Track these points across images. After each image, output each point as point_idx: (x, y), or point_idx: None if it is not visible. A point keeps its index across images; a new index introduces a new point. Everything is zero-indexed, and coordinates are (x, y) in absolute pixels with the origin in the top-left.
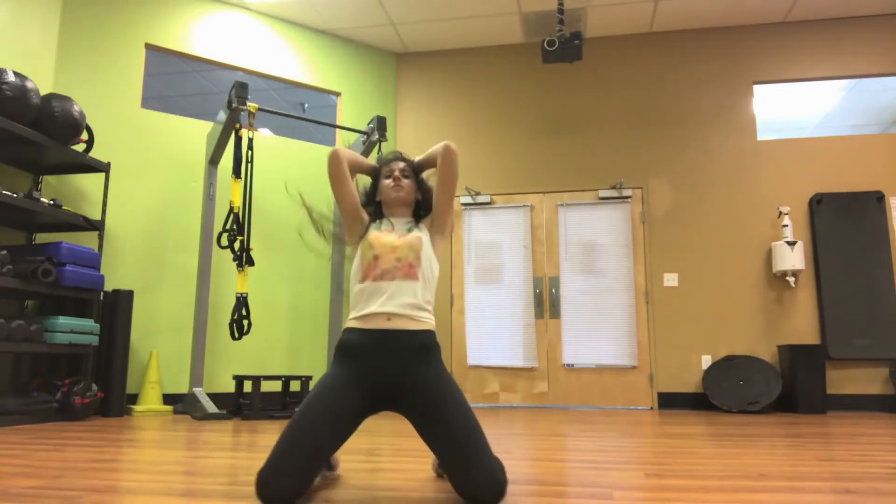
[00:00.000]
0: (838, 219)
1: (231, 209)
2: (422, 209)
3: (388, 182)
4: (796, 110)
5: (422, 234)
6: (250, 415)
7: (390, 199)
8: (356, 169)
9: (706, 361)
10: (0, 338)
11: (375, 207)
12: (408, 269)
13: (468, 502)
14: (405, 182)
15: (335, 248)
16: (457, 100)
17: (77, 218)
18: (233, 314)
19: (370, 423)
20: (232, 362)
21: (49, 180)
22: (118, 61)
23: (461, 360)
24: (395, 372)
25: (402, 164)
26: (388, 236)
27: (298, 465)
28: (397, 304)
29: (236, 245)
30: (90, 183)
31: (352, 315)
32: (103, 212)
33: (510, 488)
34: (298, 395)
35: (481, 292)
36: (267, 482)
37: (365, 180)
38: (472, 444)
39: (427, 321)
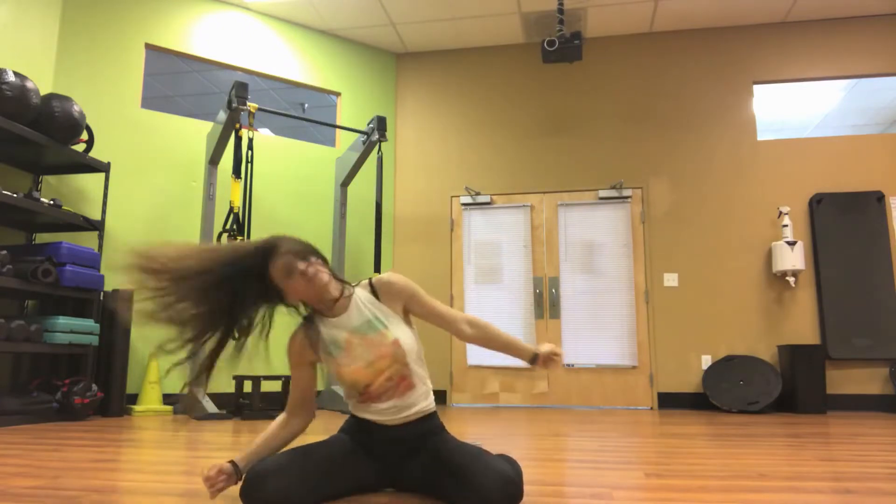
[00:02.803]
0: (838, 219)
1: (231, 209)
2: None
3: (299, 282)
4: (796, 110)
5: (396, 332)
6: (250, 415)
7: (317, 298)
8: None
9: (706, 361)
10: (0, 338)
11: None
12: (400, 382)
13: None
14: (314, 269)
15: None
16: (457, 100)
17: (77, 218)
18: None
19: None
20: (232, 362)
21: (49, 180)
22: (118, 61)
23: (461, 360)
24: (410, 449)
25: (294, 258)
26: (359, 357)
27: (301, 474)
28: (397, 415)
29: None
30: (90, 183)
31: (354, 411)
32: (103, 212)
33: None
34: None
35: (481, 292)
36: (263, 481)
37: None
38: (474, 456)
39: (430, 407)
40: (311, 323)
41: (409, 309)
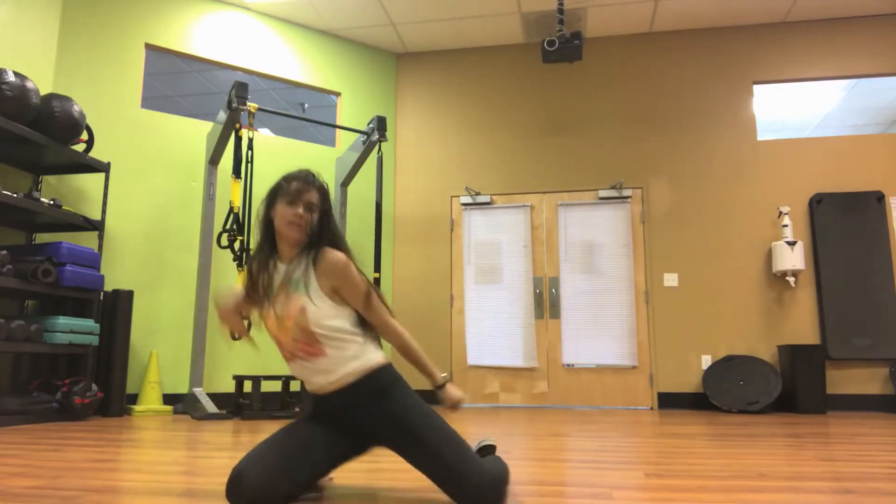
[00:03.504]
0: (838, 219)
1: (231, 209)
2: (315, 242)
3: (288, 213)
4: (796, 110)
5: (304, 300)
6: (250, 415)
7: (284, 235)
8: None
9: (706, 361)
10: (0, 338)
11: (268, 232)
12: (307, 349)
13: None
14: (308, 218)
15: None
16: (457, 100)
17: (77, 218)
18: None
19: None
20: (232, 362)
21: (49, 180)
22: (118, 61)
23: (461, 360)
24: (360, 416)
25: (311, 196)
26: (278, 308)
27: (278, 466)
28: (325, 380)
29: (236, 245)
30: (90, 183)
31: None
32: (103, 212)
33: (510, 488)
34: (298, 395)
35: (481, 292)
36: (240, 480)
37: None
38: (455, 454)
39: (364, 365)
40: (270, 256)
41: (338, 292)
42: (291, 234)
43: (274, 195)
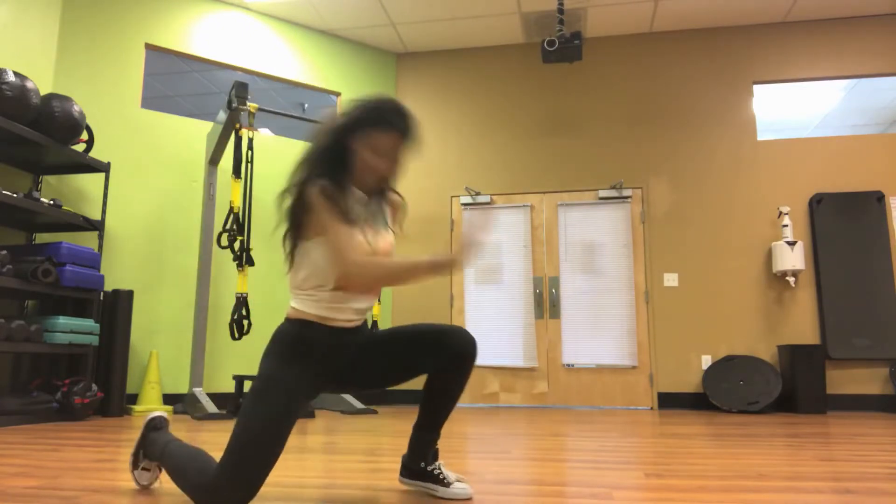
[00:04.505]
0: (838, 219)
1: (231, 209)
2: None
3: (377, 163)
4: (796, 110)
5: (391, 237)
6: None
7: (359, 177)
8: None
9: (706, 361)
10: (0, 338)
11: (345, 158)
12: (378, 290)
13: (457, 359)
14: (393, 171)
15: None
16: (457, 100)
17: (77, 218)
18: (233, 314)
19: (370, 423)
20: (232, 362)
21: (49, 180)
22: (118, 61)
23: None
24: (346, 361)
25: (403, 150)
26: (370, 237)
27: (259, 479)
28: (359, 314)
29: (236, 245)
30: (90, 183)
31: (310, 309)
32: (103, 212)
33: (510, 488)
34: None
35: (481, 292)
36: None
37: None
38: (428, 324)
39: None
40: (346, 182)
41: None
42: (368, 180)
43: (362, 129)
